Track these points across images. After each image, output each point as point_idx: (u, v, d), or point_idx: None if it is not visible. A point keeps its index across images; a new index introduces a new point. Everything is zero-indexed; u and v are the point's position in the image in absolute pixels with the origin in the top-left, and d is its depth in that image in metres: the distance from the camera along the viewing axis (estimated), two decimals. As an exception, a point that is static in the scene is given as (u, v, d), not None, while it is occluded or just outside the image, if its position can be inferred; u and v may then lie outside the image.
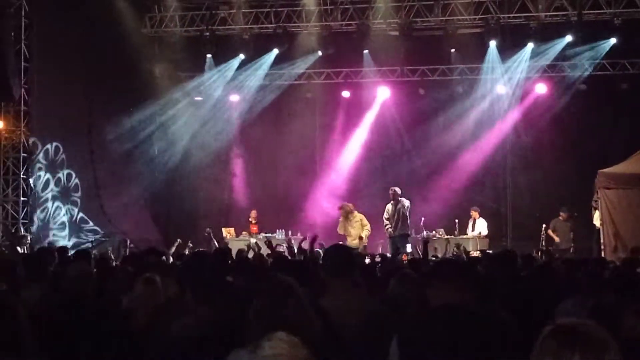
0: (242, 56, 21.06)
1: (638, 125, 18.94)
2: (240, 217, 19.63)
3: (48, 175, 18.49)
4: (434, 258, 11.98)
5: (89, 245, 17.61)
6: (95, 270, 7.89)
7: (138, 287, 5.87)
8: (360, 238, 17.60)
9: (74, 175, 19.15)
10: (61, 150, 18.82)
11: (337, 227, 17.63)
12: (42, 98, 17.89)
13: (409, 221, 17.49)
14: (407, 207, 17.33)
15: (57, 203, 18.67)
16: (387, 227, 17.43)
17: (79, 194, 19.20)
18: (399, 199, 17.31)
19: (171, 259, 11.31)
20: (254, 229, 19.05)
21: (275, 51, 20.83)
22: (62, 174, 18.93)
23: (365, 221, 17.29)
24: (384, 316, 4.69)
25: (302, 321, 3.50)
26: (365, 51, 20.39)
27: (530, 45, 19.74)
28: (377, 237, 18.51)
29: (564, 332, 2.49)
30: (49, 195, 18.51)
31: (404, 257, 11.17)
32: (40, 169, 18.29)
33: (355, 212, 17.57)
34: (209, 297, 4.55)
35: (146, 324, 5.27)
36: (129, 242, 18.25)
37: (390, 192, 17.52)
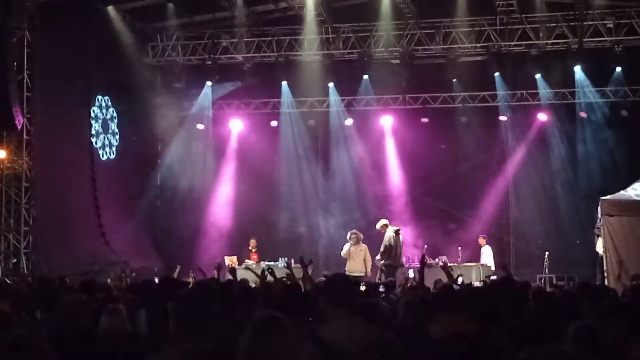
0: (239, 83, 21.15)
1: (640, 152, 19.00)
2: (241, 245, 19.55)
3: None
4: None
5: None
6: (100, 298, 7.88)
7: (103, 318, 5.83)
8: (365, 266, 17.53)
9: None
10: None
11: (342, 251, 17.66)
12: (45, 128, 17.87)
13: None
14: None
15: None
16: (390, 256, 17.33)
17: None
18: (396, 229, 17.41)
19: None
20: (254, 257, 18.97)
21: (285, 83, 21.01)
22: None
23: (368, 255, 17.39)
24: (387, 344, 4.64)
25: (291, 357, 3.45)
26: (365, 77, 20.53)
27: (538, 75, 19.91)
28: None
29: None
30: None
31: (409, 285, 11.07)
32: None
33: (361, 242, 17.73)
34: (197, 328, 4.48)
35: (119, 355, 5.24)
36: (129, 270, 18.12)
37: (381, 224, 17.58)
